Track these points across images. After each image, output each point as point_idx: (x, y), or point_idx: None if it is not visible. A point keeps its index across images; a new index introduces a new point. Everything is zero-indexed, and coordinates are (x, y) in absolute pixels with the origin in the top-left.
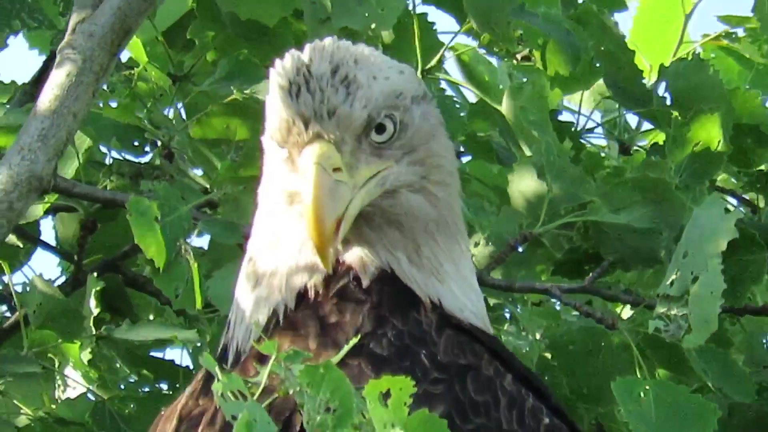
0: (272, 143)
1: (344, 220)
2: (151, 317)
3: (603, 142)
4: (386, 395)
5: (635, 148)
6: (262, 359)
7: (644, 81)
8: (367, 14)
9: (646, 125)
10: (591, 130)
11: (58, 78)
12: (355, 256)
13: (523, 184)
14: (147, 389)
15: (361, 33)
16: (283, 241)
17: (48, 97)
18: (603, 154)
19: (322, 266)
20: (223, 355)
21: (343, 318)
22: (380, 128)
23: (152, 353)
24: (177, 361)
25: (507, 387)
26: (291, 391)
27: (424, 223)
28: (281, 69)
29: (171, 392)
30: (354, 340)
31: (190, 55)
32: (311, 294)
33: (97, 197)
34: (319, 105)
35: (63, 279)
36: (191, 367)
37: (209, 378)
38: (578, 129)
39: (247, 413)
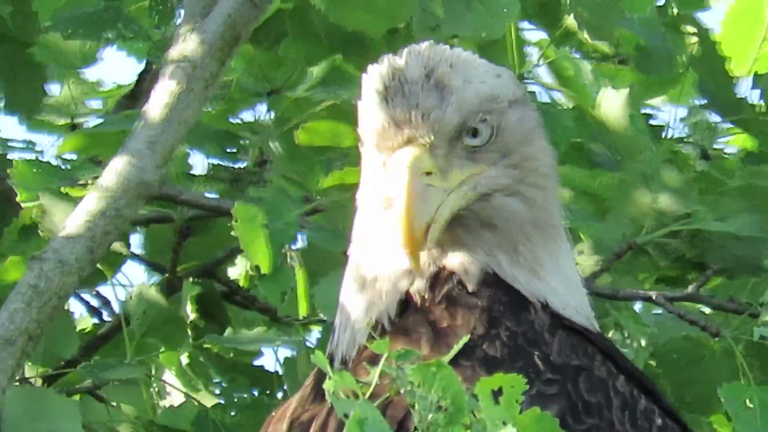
0: (367, 148)
1: (435, 223)
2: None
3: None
4: (498, 393)
5: (714, 148)
6: (373, 362)
7: (736, 88)
8: (477, 22)
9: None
10: (681, 140)
11: (168, 85)
12: (456, 260)
13: (628, 191)
14: (245, 395)
15: (470, 41)
16: (383, 246)
17: (157, 104)
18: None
19: (414, 270)
20: (329, 361)
21: (454, 322)
22: (475, 132)
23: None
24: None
25: (619, 388)
26: (402, 391)
27: (520, 225)
28: (376, 73)
29: (269, 400)
30: (464, 339)
31: (282, 70)
32: (417, 299)
33: (203, 204)
34: (413, 109)
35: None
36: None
37: (318, 384)
38: (668, 133)
39: (359, 411)
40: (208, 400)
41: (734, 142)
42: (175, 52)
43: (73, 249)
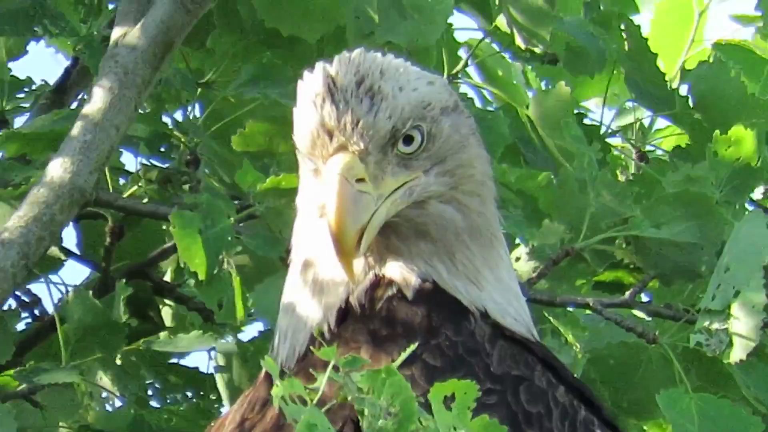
0: (301, 154)
1: (367, 230)
2: (171, 324)
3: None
4: (450, 399)
5: (649, 148)
6: (319, 368)
7: (667, 83)
8: (410, 29)
9: (659, 124)
10: (614, 134)
11: (100, 91)
12: (394, 269)
13: (565, 198)
14: (178, 397)
15: (403, 48)
16: (322, 254)
17: (91, 109)
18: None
19: (348, 278)
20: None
21: (394, 331)
22: (408, 139)
23: (174, 361)
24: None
25: (559, 398)
26: (350, 397)
27: (455, 233)
28: (309, 80)
29: (204, 402)
30: (411, 348)
31: (209, 62)
32: (356, 308)
33: (139, 210)
34: (344, 116)
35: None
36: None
37: (256, 394)
38: (602, 133)
39: (308, 416)
40: (143, 404)
41: (666, 139)
42: (108, 57)
43: (7, 255)
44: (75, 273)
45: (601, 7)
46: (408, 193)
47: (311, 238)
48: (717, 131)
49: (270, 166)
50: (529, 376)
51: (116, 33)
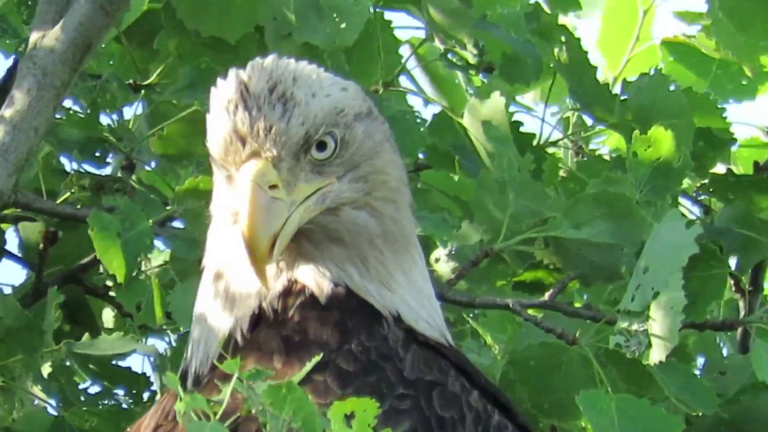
0: (214, 161)
1: (280, 237)
2: (112, 326)
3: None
4: (351, 416)
5: (590, 148)
6: (226, 379)
7: (608, 93)
8: (328, 30)
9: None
10: (555, 143)
11: (19, 93)
12: (307, 274)
13: (485, 200)
14: (107, 401)
15: (322, 48)
16: (233, 261)
17: (9, 111)
18: (560, 165)
19: (261, 284)
20: (183, 377)
21: (306, 336)
22: (321, 146)
23: (112, 362)
24: (137, 369)
25: (473, 403)
26: (254, 410)
27: (369, 238)
28: (221, 87)
29: (132, 401)
30: (316, 358)
31: (155, 62)
32: (269, 314)
33: (58, 212)
34: (256, 122)
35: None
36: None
37: (171, 401)
38: (540, 139)
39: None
40: (72, 407)
41: (608, 143)
42: (25, 59)
43: None
44: (15, 275)
45: (542, 17)
46: (321, 199)
47: (224, 244)
48: (636, 130)
49: (189, 168)
50: (442, 381)
51: (34, 35)
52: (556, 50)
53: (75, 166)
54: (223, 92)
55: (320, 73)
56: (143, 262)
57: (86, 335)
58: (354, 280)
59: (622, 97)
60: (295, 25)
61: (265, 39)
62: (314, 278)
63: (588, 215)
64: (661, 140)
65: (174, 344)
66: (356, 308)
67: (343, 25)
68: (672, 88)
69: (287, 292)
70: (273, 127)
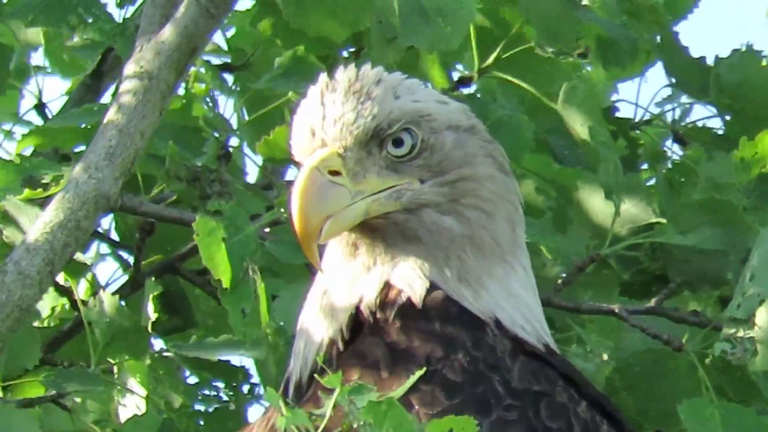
0: (295, 160)
1: (334, 219)
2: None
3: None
4: None
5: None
6: (328, 391)
7: (702, 71)
8: (433, 34)
9: (699, 113)
10: (649, 122)
11: (125, 97)
12: (399, 277)
13: (590, 205)
14: (209, 393)
15: (427, 52)
16: (336, 268)
17: (115, 115)
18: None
19: (312, 263)
20: (285, 386)
21: (411, 344)
22: (398, 143)
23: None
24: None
25: (581, 414)
26: (354, 425)
27: (450, 241)
28: (310, 90)
29: (232, 393)
30: (419, 373)
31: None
32: (369, 319)
33: (163, 216)
34: (327, 113)
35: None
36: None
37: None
38: (635, 121)
39: None
40: (172, 408)
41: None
42: (131, 62)
43: (32, 261)
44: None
45: None
46: (395, 195)
47: (329, 255)
48: (743, 138)
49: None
50: (550, 391)
51: (140, 38)
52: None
53: (171, 156)
54: (309, 92)
55: (417, 83)
56: (249, 267)
57: (194, 337)
58: (447, 284)
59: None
60: (399, 28)
61: (370, 41)
62: (407, 281)
63: (694, 221)
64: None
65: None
66: (456, 314)
67: (447, 29)
68: (764, 63)
69: (384, 297)
70: (342, 117)
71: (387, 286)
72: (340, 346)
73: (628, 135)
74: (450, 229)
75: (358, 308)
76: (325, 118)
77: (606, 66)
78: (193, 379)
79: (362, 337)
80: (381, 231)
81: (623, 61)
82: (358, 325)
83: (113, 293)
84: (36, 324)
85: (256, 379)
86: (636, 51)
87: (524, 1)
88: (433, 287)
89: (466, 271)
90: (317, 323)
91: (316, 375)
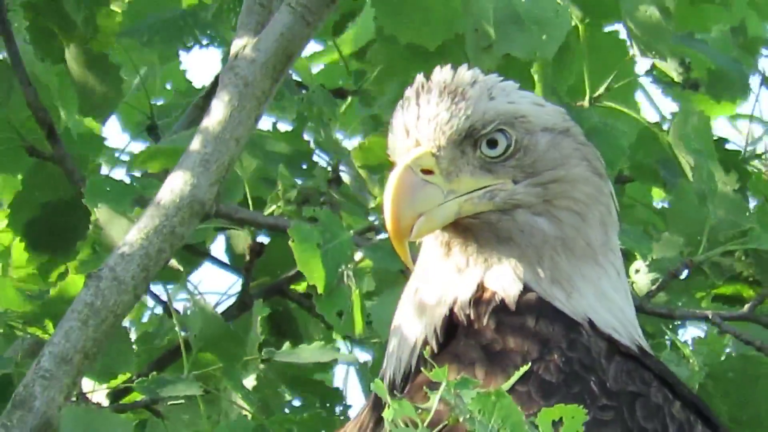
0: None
1: (426, 216)
2: (318, 339)
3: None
4: (558, 423)
5: None
6: (431, 387)
7: None
8: (529, 41)
9: None
10: (759, 156)
11: (220, 103)
12: (492, 277)
13: (684, 211)
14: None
15: (523, 60)
16: (430, 269)
17: (210, 122)
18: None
19: (403, 260)
20: None
21: (507, 345)
22: (492, 144)
23: (316, 376)
24: (340, 385)
25: (676, 414)
26: (461, 419)
27: (543, 241)
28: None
29: (326, 414)
30: (524, 368)
31: (365, 66)
32: (463, 321)
33: (259, 222)
34: (421, 113)
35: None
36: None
37: (374, 410)
38: (745, 155)
39: None
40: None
41: None
42: (227, 69)
43: (128, 267)
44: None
45: (747, 32)
46: (489, 195)
47: (424, 257)
48: None
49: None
50: (645, 392)
51: (236, 45)
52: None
53: (282, 179)
54: (406, 93)
55: (513, 86)
56: (345, 273)
57: (287, 343)
58: (540, 285)
59: None
60: (494, 37)
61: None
62: (500, 282)
63: None
64: None
65: (375, 355)
66: (550, 315)
67: (543, 37)
68: None
69: (477, 298)
70: (436, 117)
71: (481, 287)
72: (434, 347)
73: (740, 167)
74: (543, 230)
75: (451, 309)
76: (419, 117)
77: (716, 98)
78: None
79: (457, 338)
80: (474, 231)
81: (735, 95)
82: (452, 327)
83: (222, 314)
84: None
85: (350, 401)
86: (747, 85)
87: (625, 7)
88: (526, 288)
89: (559, 273)
90: (411, 324)
91: (422, 369)
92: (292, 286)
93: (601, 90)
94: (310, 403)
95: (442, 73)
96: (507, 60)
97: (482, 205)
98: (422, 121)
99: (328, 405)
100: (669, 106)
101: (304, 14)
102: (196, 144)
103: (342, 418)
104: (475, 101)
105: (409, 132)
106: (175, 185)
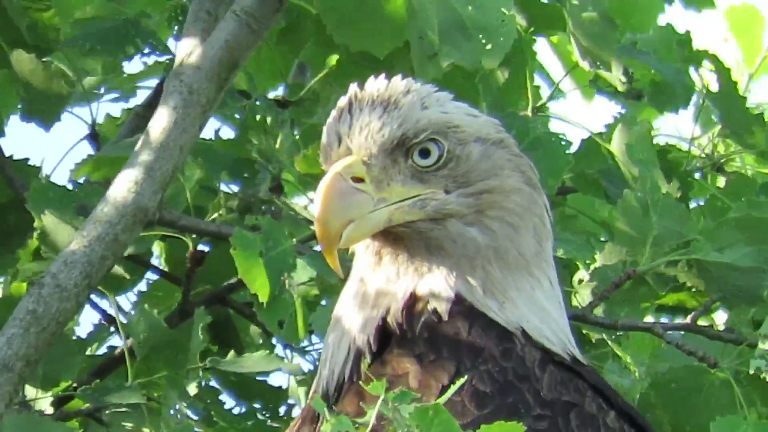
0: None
1: (356, 225)
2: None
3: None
4: None
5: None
6: (365, 399)
7: (755, 122)
8: (474, 50)
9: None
10: (701, 170)
11: (164, 111)
12: (424, 287)
13: (628, 221)
14: (248, 419)
15: (469, 69)
16: (362, 278)
17: (155, 129)
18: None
19: (332, 266)
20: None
21: (440, 355)
22: (424, 153)
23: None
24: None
25: (610, 424)
26: None
27: (475, 252)
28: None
29: (269, 415)
30: (460, 381)
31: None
32: (395, 330)
33: (201, 230)
34: (354, 122)
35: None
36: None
37: (310, 423)
38: (686, 166)
39: None
40: (210, 422)
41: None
42: (172, 76)
43: (70, 274)
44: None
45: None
46: (420, 204)
47: (359, 267)
48: None
49: None
50: (579, 401)
51: (181, 52)
52: (703, 78)
53: (224, 187)
54: (339, 103)
55: (446, 96)
56: (286, 281)
57: (231, 353)
58: (473, 294)
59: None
60: (439, 45)
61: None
62: (433, 292)
63: (731, 239)
64: None
65: (317, 363)
66: (483, 325)
67: (488, 46)
68: None
69: (410, 307)
70: (368, 126)
71: (413, 296)
72: (368, 357)
73: (682, 176)
74: (475, 240)
75: (384, 319)
76: (351, 126)
77: (660, 109)
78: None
79: (390, 349)
80: (405, 240)
81: (678, 105)
82: (385, 337)
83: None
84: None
85: (293, 399)
86: (691, 96)
87: (573, 22)
88: (458, 298)
89: (492, 283)
90: (344, 334)
91: (360, 382)
92: (232, 295)
93: (544, 99)
94: (251, 411)
95: (375, 83)
96: (452, 69)
97: (413, 213)
98: (354, 129)
99: (271, 406)
100: (611, 115)
101: (250, 22)
102: (139, 151)
103: (286, 418)
104: (407, 110)
105: (341, 140)
106: (119, 193)
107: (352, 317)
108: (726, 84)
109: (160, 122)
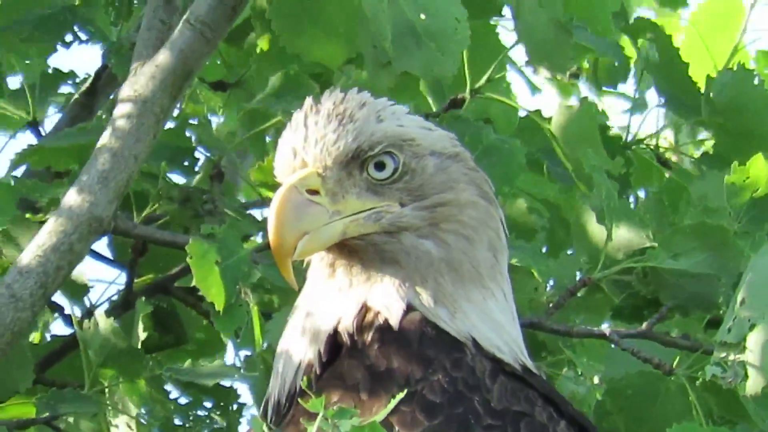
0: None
1: (311, 237)
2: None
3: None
4: None
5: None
6: (311, 415)
7: (696, 91)
8: (426, 58)
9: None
10: (641, 142)
11: (119, 120)
12: (376, 298)
13: (583, 229)
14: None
15: (420, 77)
16: (315, 289)
17: (109, 138)
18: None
19: (285, 278)
20: (265, 407)
21: (390, 365)
22: (379, 166)
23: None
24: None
25: None
26: None
27: (429, 265)
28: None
29: (220, 413)
30: (400, 395)
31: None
32: (347, 341)
33: (156, 238)
34: (309, 134)
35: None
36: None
37: None
38: (626, 139)
39: None
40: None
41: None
42: (126, 86)
43: (25, 284)
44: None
45: (630, 15)
46: (375, 217)
47: (311, 278)
48: (735, 163)
49: None
50: (529, 411)
51: (135, 61)
52: (644, 48)
53: (161, 181)
54: (294, 115)
55: (402, 109)
56: (242, 289)
57: (188, 361)
58: (424, 304)
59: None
60: (392, 54)
61: (365, 66)
62: (384, 302)
63: (686, 246)
64: (760, 171)
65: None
66: (434, 335)
67: (441, 55)
68: (756, 82)
69: (361, 318)
70: (323, 138)
71: (364, 308)
72: (318, 368)
73: (623, 154)
74: (428, 253)
75: (336, 329)
76: (306, 139)
77: (598, 85)
78: (183, 399)
79: (341, 359)
80: (359, 252)
81: (616, 81)
82: (336, 348)
83: (106, 312)
84: (30, 339)
85: (244, 399)
86: (629, 71)
87: (520, 25)
88: (409, 308)
89: (443, 294)
90: (296, 345)
91: (299, 399)
92: (176, 283)
93: (482, 81)
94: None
95: (331, 96)
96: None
97: (368, 226)
98: (309, 142)
99: (222, 404)
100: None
101: (204, 31)
102: (94, 161)
103: (238, 416)
104: (363, 123)
105: (296, 153)
106: (74, 202)
107: (303, 328)
108: (666, 52)
109: (114, 132)
